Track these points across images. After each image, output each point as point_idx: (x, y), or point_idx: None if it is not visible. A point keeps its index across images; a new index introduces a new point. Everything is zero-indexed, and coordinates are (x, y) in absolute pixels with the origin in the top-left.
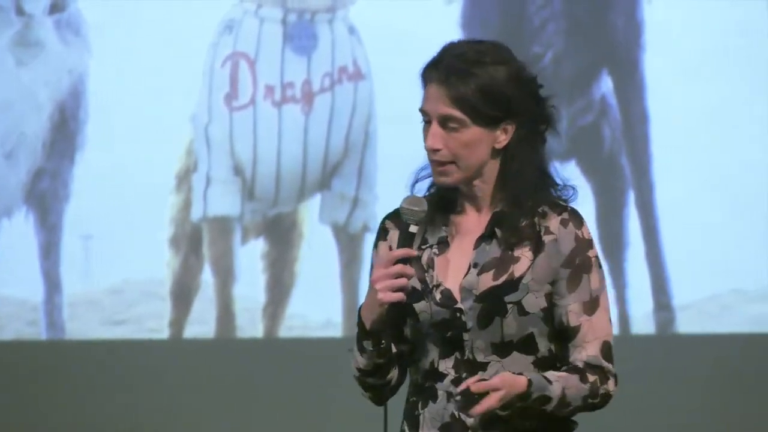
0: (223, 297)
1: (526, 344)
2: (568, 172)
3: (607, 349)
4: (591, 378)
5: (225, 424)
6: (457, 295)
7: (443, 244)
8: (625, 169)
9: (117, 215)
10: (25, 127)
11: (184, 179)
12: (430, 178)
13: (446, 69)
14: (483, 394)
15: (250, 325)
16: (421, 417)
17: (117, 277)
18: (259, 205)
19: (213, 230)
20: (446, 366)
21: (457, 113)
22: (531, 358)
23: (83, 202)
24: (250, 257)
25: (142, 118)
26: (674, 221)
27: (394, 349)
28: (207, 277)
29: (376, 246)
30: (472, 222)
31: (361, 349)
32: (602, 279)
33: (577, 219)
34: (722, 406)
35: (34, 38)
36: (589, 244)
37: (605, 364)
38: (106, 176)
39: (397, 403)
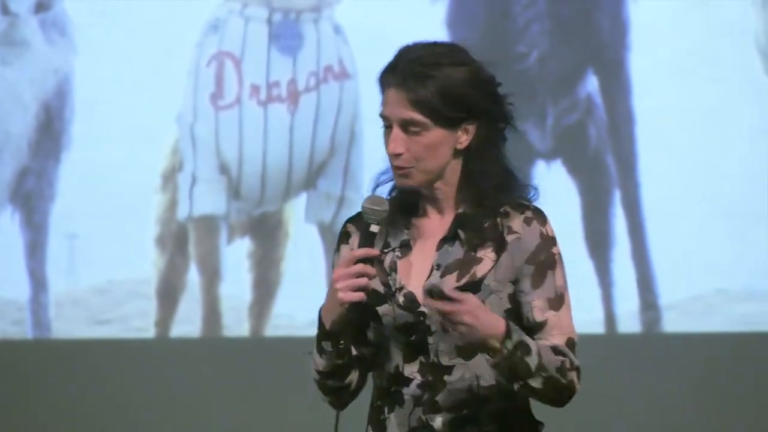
0: (209, 296)
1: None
2: (553, 171)
3: (572, 345)
4: (561, 357)
5: (212, 423)
6: (420, 298)
7: (406, 247)
8: (610, 168)
9: (103, 214)
10: (10, 127)
11: (169, 178)
12: (392, 182)
13: (404, 73)
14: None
15: (236, 324)
16: (387, 421)
17: (102, 277)
18: (245, 204)
19: (199, 229)
20: (411, 370)
21: (417, 116)
22: None
23: (69, 202)
24: (236, 256)
25: (128, 117)
26: (660, 220)
27: (354, 352)
28: (193, 276)
29: (338, 250)
30: (435, 224)
31: (321, 350)
32: (565, 277)
33: (541, 217)
34: (708, 405)
35: (19, 37)
36: (553, 241)
37: (572, 356)
38: (91, 176)
39: (351, 409)
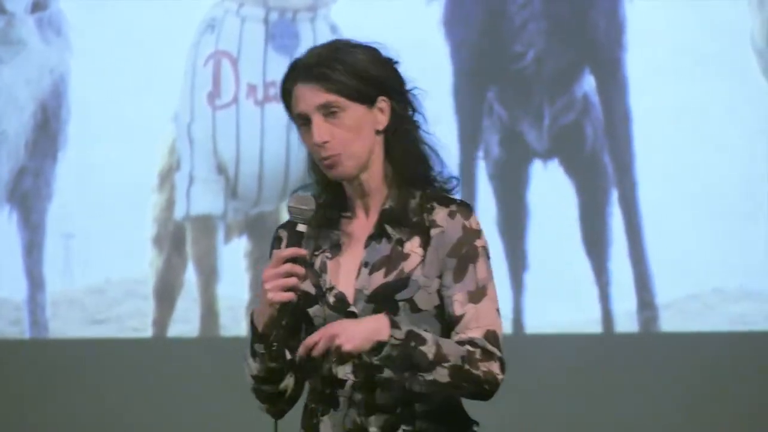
0: (206, 296)
1: None
2: (550, 171)
3: (492, 337)
4: (469, 347)
5: (209, 423)
6: (350, 297)
7: (335, 248)
8: (607, 167)
9: (99, 214)
10: (6, 126)
11: (166, 178)
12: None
13: (308, 68)
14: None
15: (233, 323)
16: (321, 424)
17: (99, 276)
18: (242, 203)
19: (196, 229)
20: (345, 371)
21: (333, 97)
22: None
23: (66, 201)
24: (234, 256)
25: (125, 117)
26: (657, 219)
27: (288, 356)
28: (190, 275)
29: (270, 256)
30: (363, 223)
31: (254, 354)
32: (490, 269)
33: (466, 210)
34: (705, 404)
35: (15, 37)
36: (477, 234)
37: (489, 346)
38: (88, 175)
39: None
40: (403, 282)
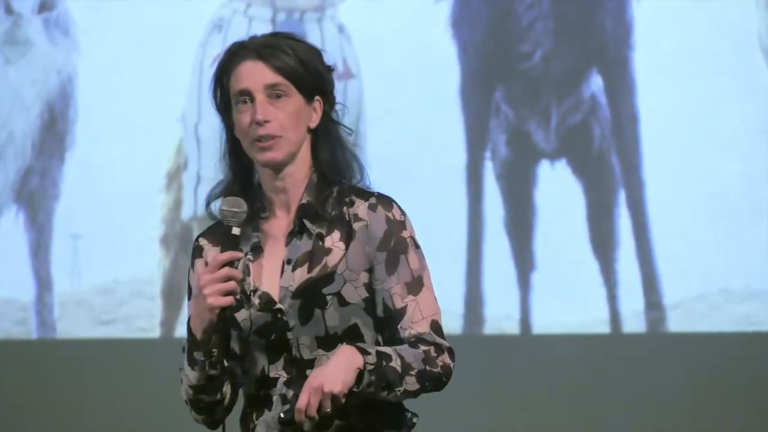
0: None
1: (351, 335)
2: (558, 171)
3: (437, 327)
4: (423, 347)
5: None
6: (276, 296)
7: (257, 250)
8: (615, 167)
9: (107, 214)
10: (13, 126)
11: (174, 178)
12: (220, 199)
13: (260, 47)
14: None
15: None
16: (256, 428)
17: (107, 277)
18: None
19: (203, 229)
20: (277, 370)
21: (282, 80)
22: None
23: (73, 202)
24: None
25: (132, 117)
26: (664, 220)
27: (225, 363)
28: None
29: (192, 266)
30: (282, 222)
31: (193, 363)
32: (422, 258)
33: (386, 202)
34: (712, 404)
35: (22, 37)
36: (402, 225)
37: (438, 339)
38: (95, 175)
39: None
40: (328, 277)
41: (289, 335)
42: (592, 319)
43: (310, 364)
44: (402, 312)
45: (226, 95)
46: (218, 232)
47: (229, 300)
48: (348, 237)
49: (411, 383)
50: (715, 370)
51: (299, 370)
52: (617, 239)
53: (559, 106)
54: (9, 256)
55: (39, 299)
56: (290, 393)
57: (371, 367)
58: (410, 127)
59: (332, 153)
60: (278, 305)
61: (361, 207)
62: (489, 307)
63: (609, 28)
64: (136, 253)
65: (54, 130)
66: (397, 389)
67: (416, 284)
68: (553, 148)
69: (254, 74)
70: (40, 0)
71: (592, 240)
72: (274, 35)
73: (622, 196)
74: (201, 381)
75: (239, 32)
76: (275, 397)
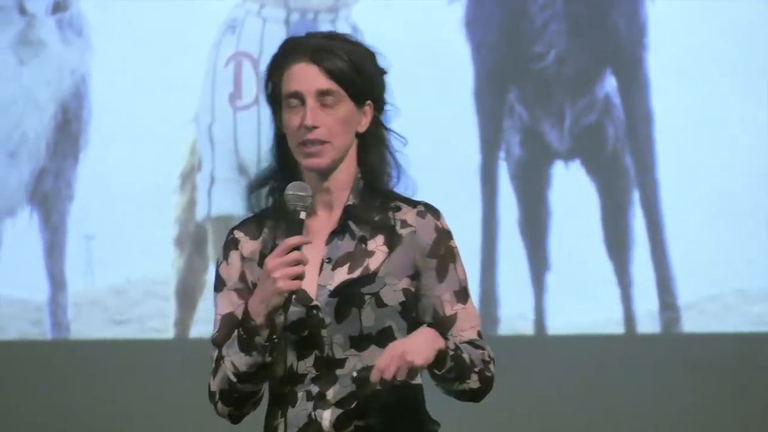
0: None
1: (385, 338)
2: (572, 172)
3: (482, 336)
4: (480, 350)
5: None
6: (312, 293)
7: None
8: (629, 168)
9: (120, 215)
10: (27, 127)
11: (188, 179)
12: (266, 188)
13: (314, 48)
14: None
15: None
16: (280, 425)
17: (120, 277)
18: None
19: (217, 230)
20: (305, 366)
21: (334, 86)
22: None
23: (87, 202)
24: None
25: (146, 117)
26: (678, 220)
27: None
28: (212, 276)
29: (225, 258)
30: (324, 221)
31: (250, 348)
32: (465, 270)
33: (434, 211)
34: (727, 405)
35: (36, 38)
36: (449, 235)
37: (487, 347)
38: (109, 176)
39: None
40: (369, 278)
41: (323, 333)
42: (606, 320)
43: (341, 363)
44: (452, 319)
45: (277, 90)
46: (252, 226)
47: (298, 284)
48: (392, 241)
49: (474, 380)
50: (730, 370)
51: (329, 369)
52: (631, 240)
53: (572, 106)
54: (23, 257)
55: (53, 300)
56: (315, 389)
57: (452, 352)
58: (424, 128)
59: (379, 158)
60: (314, 302)
61: (409, 213)
62: (503, 307)
63: (623, 29)
64: (150, 254)
65: (68, 131)
66: (466, 381)
67: (464, 293)
68: (567, 148)
69: (307, 78)
70: (53, 1)
71: (606, 240)
72: (329, 36)
73: (636, 197)
74: (252, 368)
75: (252, 33)
76: (300, 394)
